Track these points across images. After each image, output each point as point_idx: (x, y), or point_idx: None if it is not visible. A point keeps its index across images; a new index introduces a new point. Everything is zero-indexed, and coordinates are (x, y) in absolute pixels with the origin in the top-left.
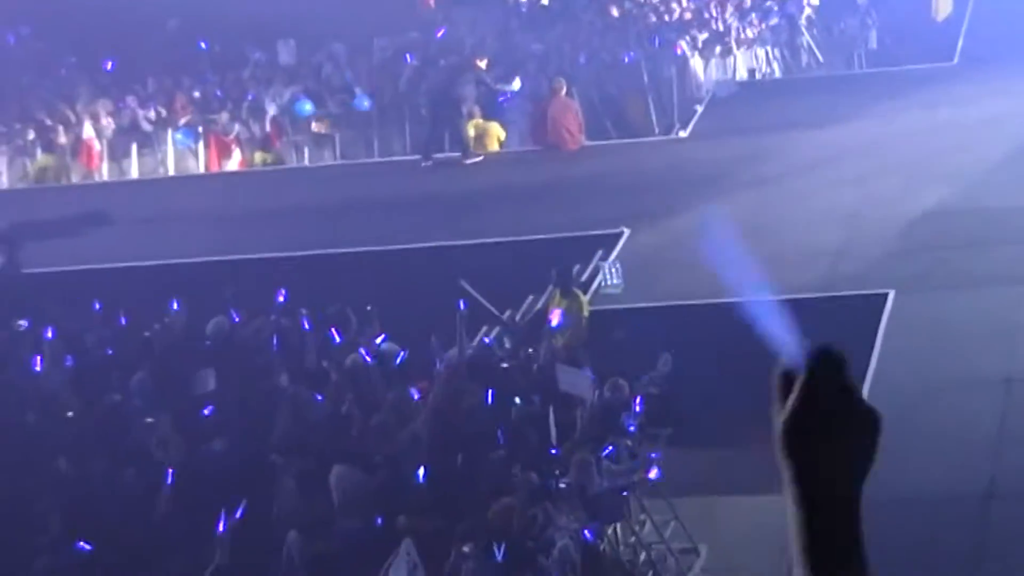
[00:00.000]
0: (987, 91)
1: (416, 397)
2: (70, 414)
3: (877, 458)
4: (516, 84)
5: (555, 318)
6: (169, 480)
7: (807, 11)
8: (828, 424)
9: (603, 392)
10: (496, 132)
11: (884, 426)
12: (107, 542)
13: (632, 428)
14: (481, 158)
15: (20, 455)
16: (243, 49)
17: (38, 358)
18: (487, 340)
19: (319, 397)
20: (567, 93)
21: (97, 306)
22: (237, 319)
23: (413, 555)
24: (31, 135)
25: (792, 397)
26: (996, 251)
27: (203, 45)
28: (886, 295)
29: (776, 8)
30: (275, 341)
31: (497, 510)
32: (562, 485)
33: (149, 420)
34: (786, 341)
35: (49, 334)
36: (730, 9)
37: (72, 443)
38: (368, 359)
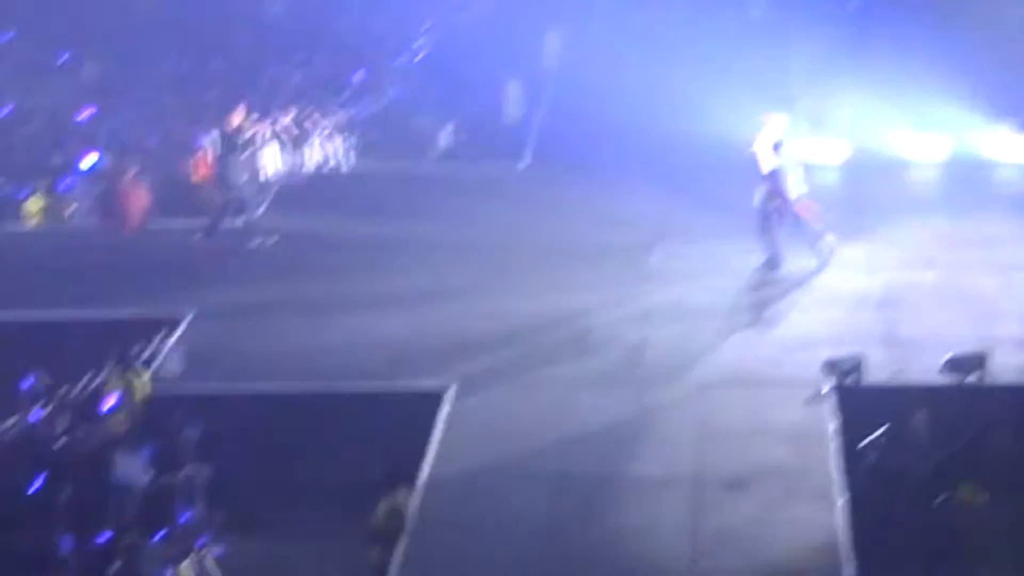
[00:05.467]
0: (551, 187)
1: None
2: None
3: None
4: (93, 158)
5: (109, 401)
6: None
7: (381, 106)
8: None
9: (157, 478)
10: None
11: (436, 522)
12: None
13: (187, 512)
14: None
15: None
16: None
17: None
18: (37, 417)
19: None
20: (138, 174)
21: None
22: None
23: None
24: None
25: None
26: (552, 351)
27: None
28: (444, 390)
29: (346, 106)
30: None
31: None
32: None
33: None
34: None
35: None
36: (292, 109)
37: None
38: None
